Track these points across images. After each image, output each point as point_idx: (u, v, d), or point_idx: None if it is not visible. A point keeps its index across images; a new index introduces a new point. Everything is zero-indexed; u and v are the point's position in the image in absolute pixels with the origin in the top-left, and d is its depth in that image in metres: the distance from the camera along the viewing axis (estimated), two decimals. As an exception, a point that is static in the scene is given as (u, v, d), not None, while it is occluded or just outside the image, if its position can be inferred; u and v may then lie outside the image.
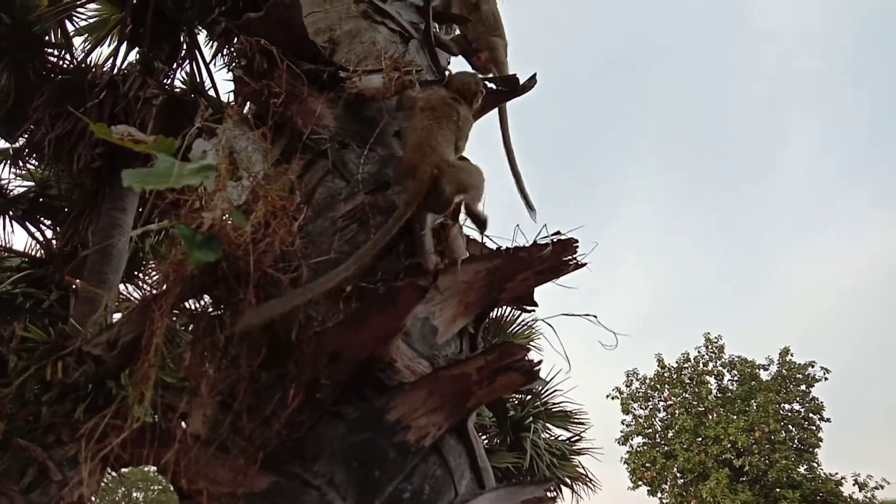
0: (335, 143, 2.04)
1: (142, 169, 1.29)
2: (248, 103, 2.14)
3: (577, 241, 1.94)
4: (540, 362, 1.64)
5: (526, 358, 1.63)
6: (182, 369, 1.59)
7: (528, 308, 2.19)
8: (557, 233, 1.95)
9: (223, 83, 8.91)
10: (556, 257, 1.93)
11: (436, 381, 1.64)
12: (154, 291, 1.64)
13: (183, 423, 1.68)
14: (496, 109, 2.54)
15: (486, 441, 8.24)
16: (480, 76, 2.58)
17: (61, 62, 8.17)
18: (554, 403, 8.34)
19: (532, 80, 2.32)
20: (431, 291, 1.76)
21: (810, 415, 19.14)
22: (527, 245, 1.96)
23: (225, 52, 8.35)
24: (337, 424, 1.58)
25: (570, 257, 1.95)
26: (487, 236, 2.13)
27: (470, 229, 2.15)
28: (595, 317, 2.08)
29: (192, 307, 1.79)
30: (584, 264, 1.97)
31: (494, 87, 2.39)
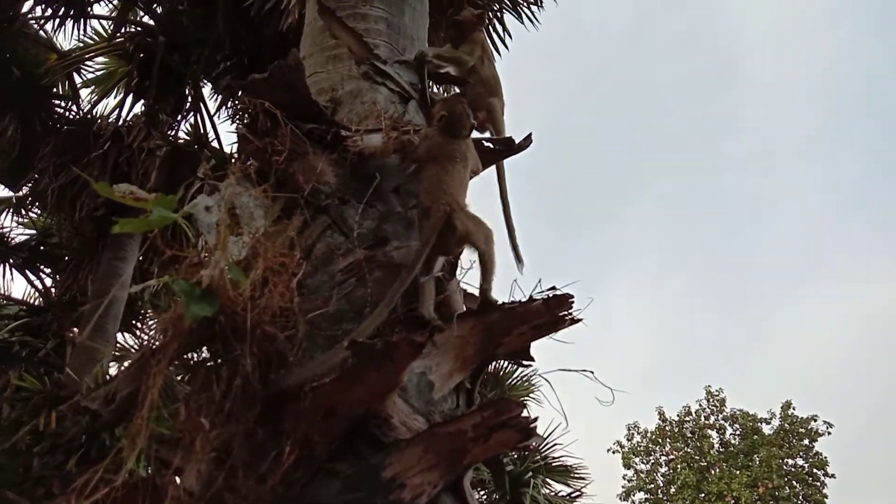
0: (335, 200, 2.08)
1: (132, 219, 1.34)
2: (252, 160, 2.19)
3: (572, 297, 1.97)
4: (536, 419, 1.65)
5: (522, 415, 1.63)
6: (178, 423, 1.59)
7: (525, 363, 2.20)
8: (553, 288, 1.98)
9: (226, 135, 9.06)
10: (551, 312, 1.96)
11: (431, 438, 1.64)
12: (152, 345, 1.65)
13: (177, 479, 1.67)
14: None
15: (484, 496, 8.08)
16: (480, 135, 2.65)
17: (67, 113, 8.33)
18: (554, 458, 8.21)
19: (528, 140, 2.39)
20: (428, 346, 1.77)
21: (814, 470, 18.82)
22: (523, 300, 1.99)
23: (229, 105, 8.52)
24: (332, 482, 1.58)
25: (565, 312, 1.97)
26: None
27: (467, 284, 2.19)
28: (592, 372, 2.09)
29: (190, 359, 1.80)
30: (580, 319, 1.99)
31: (492, 146, 2.45)
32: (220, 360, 1.64)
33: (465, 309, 2.06)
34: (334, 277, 1.92)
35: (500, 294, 2.09)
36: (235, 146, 2.34)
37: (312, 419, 1.57)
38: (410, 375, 1.78)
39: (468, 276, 2.24)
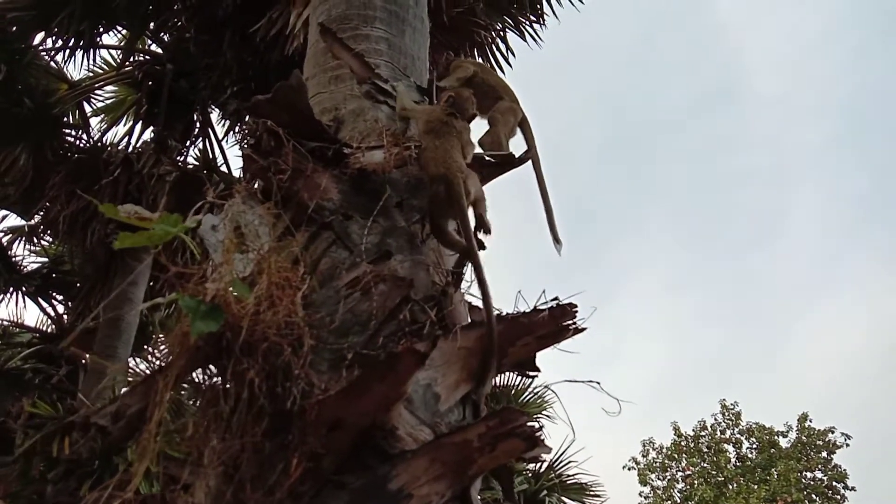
0: (339, 216, 2.11)
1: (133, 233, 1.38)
2: (256, 179, 2.22)
3: (576, 306, 1.98)
4: (541, 428, 1.65)
5: (527, 424, 1.64)
6: (186, 439, 1.61)
7: (531, 373, 2.21)
8: (556, 299, 1.99)
9: (235, 159, 9.16)
10: (555, 322, 1.97)
11: (438, 448, 1.65)
12: (160, 363, 1.67)
13: (189, 497, 1.68)
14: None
15: (498, 515, 8.01)
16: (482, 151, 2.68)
17: (78, 142, 8.46)
18: (569, 475, 8.15)
19: (528, 154, 2.42)
20: (433, 357, 1.79)
21: (834, 483, 18.53)
22: (527, 311, 2.00)
23: (237, 130, 8.62)
24: (339, 494, 1.58)
25: (569, 322, 1.98)
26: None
27: (471, 296, 2.20)
28: (598, 383, 2.09)
29: (201, 381, 1.82)
30: (584, 329, 2.00)
31: (492, 160, 2.48)
32: (227, 376, 1.66)
33: (469, 320, 2.07)
34: (339, 292, 1.94)
35: (504, 305, 2.11)
36: (242, 170, 2.38)
37: (318, 432, 1.58)
38: (416, 387, 1.79)
39: (472, 289, 2.26)
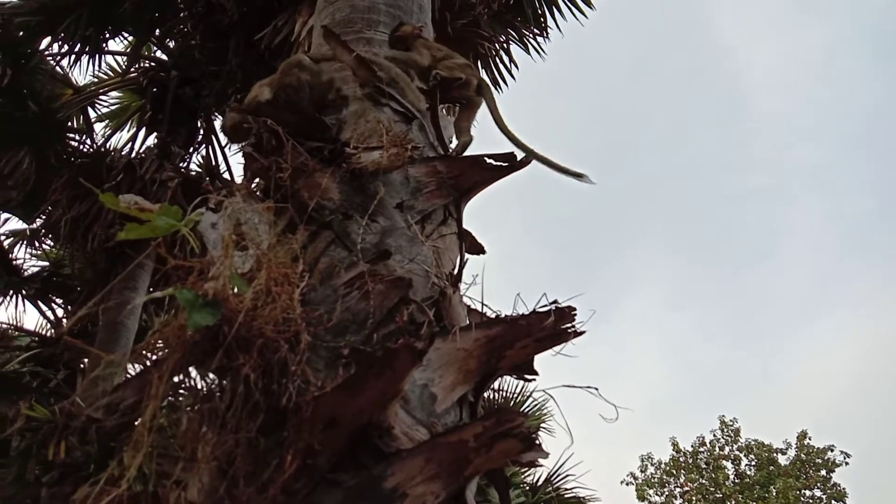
0: (339, 215, 2.11)
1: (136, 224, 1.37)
2: (257, 178, 2.23)
3: (575, 309, 1.97)
4: (538, 429, 1.64)
5: (523, 424, 1.63)
6: (179, 435, 1.60)
7: (528, 377, 2.20)
8: (555, 301, 1.98)
9: (237, 166, 9.20)
10: (555, 325, 1.96)
11: (433, 447, 1.63)
12: (154, 357, 1.66)
13: (182, 493, 1.67)
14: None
15: (495, 528, 7.96)
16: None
17: (82, 146, 8.50)
18: (566, 489, 8.12)
19: (529, 157, 2.41)
20: (430, 358, 1.78)
21: (833, 502, 18.40)
22: (526, 313, 1.99)
23: (239, 137, 8.65)
24: (333, 492, 1.57)
25: (568, 325, 1.97)
26: (486, 305, 2.17)
27: (469, 298, 2.20)
28: (596, 388, 2.08)
29: (191, 380, 1.80)
30: (583, 332, 1.99)
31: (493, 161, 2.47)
32: (223, 371, 1.65)
33: (467, 322, 2.07)
34: (337, 291, 1.94)
35: (502, 308, 2.10)
36: (242, 169, 2.39)
37: (314, 429, 1.57)
38: (412, 387, 1.78)
39: (470, 291, 2.26)
